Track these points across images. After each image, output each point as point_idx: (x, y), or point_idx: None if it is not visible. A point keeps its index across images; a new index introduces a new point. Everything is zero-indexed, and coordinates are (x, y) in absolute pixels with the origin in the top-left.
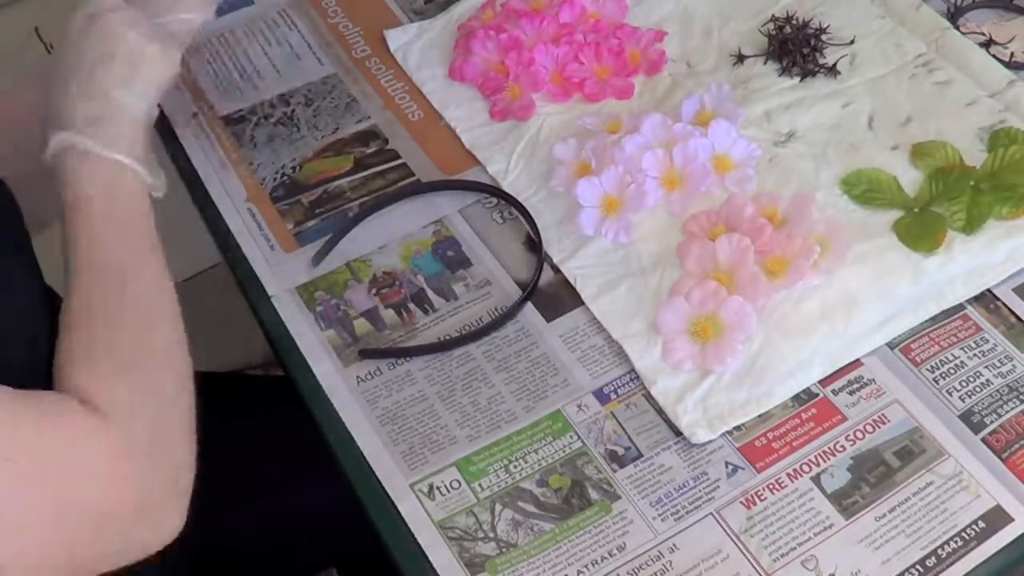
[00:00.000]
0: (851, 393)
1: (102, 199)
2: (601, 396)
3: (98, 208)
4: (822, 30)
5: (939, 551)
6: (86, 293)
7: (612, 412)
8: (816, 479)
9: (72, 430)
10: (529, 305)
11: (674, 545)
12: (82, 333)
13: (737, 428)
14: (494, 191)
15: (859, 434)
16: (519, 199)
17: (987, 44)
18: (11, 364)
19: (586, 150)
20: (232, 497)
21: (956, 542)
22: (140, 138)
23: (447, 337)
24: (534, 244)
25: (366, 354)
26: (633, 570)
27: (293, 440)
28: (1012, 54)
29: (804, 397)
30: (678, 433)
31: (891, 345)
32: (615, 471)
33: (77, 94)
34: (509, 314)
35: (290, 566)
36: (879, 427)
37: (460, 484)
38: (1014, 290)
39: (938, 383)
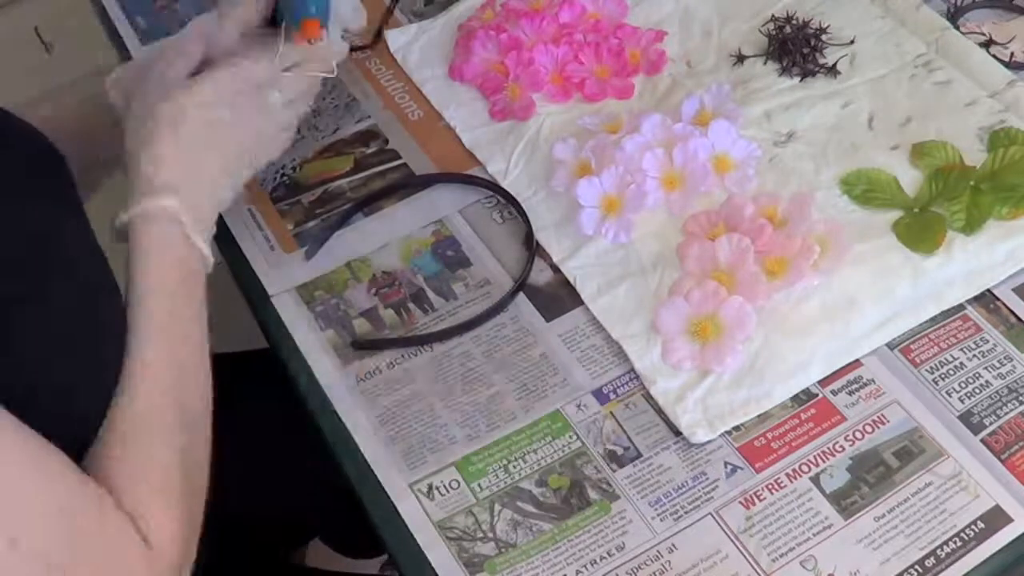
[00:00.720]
0: (850, 393)
1: (180, 280)
2: (600, 396)
3: (176, 288)
4: (822, 30)
5: (938, 551)
6: (154, 388)
7: (611, 412)
8: (815, 479)
9: (119, 553)
10: (529, 305)
11: (673, 545)
12: (142, 448)
13: (736, 428)
14: (485, 183)
15: (858, 434)
16: (519, 199)
17: (987, 44)
18: (68, 316)
19: (586, 150)
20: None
21: (955, 542)
22: (213, 223)
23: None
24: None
25: (358, 345)
26: (632, 570)
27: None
28: (1012, 54)
29: (803, 397)
30: (677, 433)
31: (891, 346)
32: (614, 471)
33: (183, 169)
34: (500, 304)
35: (278, 540)
36: (878, 427)
37: (459, 484)
38: (1014, 290)
39: (938, 384)
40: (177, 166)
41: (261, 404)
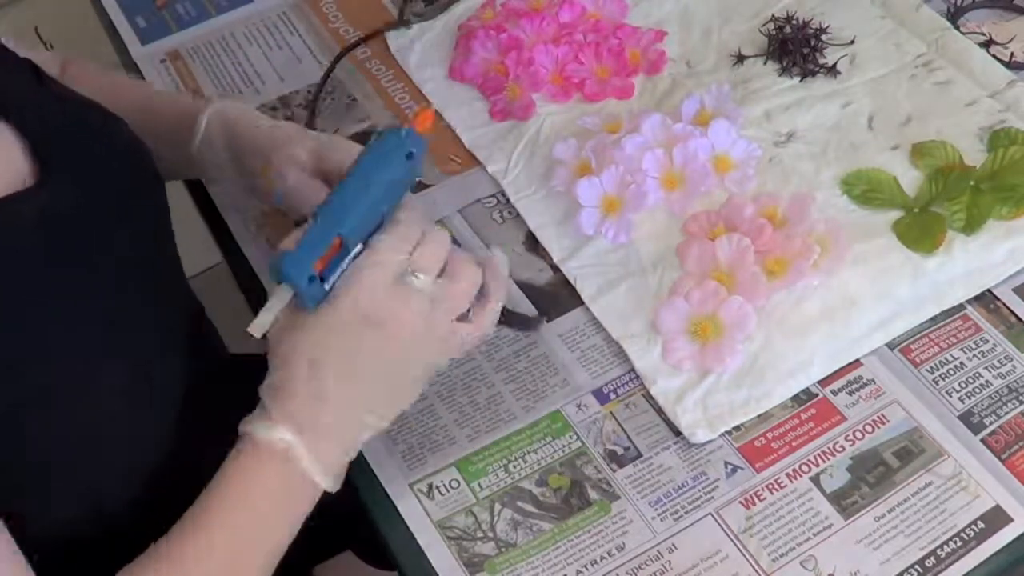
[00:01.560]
0: (851, 393)
1: (265, 504)
2: (600, 396)
3: (257, 510)
4: (822, 30)
5: (938, 551)
6: None
7: (611, 412)
8: (815, 479)
9: None
10: (529, 304)
11: (673, 545)
12: None
13: (736, 428)
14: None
15: (858, 434)
16: (518, 198)
17: (987, 44)
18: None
19: (586, 150)
20: None
21: (955, 542)
22: (355, 451)
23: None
24: (534, 244)
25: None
26: (632, 570)
27: None
28: (1012, 54)
29: (804, 397)
30: (677, 433)
31: (891, 345)
32: (614, 471)
33: (332, 395)
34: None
35: (308, 550)
36: (878, 427)
37: (459, 484)
38: (1014, 290)
39: (938, 384)
40: (308, 403)
41: None
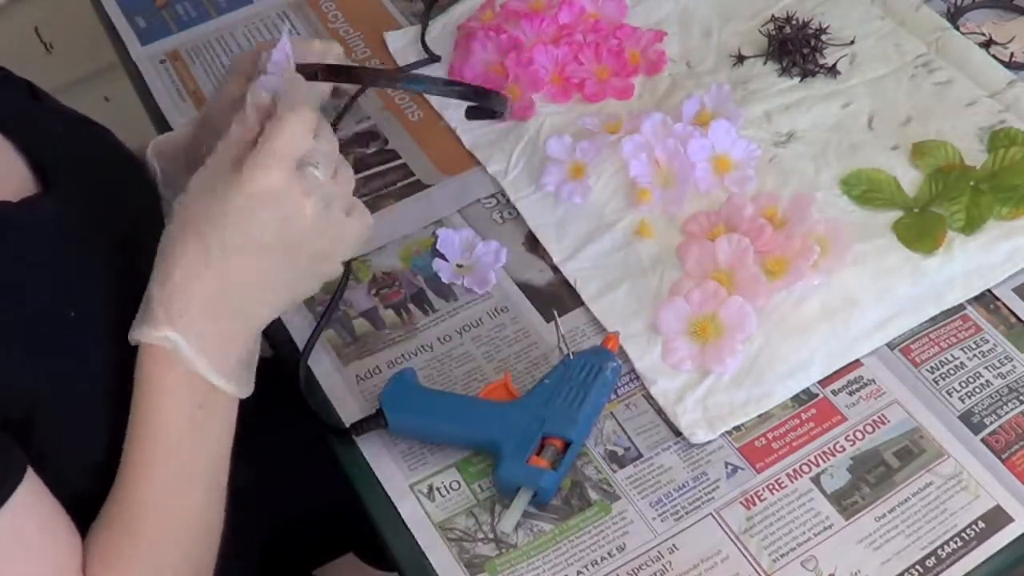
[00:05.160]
0: (851, 393)
1: (183, 418)
2: None
3: (180, 420)
4: (822, 30)
5: (939, 551)
6: (147, 493)
7: (612, 412)
8: (816, 479)
9: None
10: (529, 305)
11: (674, 546)
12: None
13: (737, 428)
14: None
15: (859, 434)
16: (518, 198)
17: (987, 44)
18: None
19: (578, 150)
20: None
21: (956, 542)
22: (251, 347)
23: None
24: (534, 244)
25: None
26: (633, 570)
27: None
28: (1012, 54)
29: (804, 397)
30: (678, 433)
31: (891, 345)
32: (615, 471)
33: (204, 294)
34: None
35: (309, 552)
36: (879, 427)
37: (460, 485)
38: (1014, 290)
39: (938, 384)
40: (195, 290)
41: (298, 408)
